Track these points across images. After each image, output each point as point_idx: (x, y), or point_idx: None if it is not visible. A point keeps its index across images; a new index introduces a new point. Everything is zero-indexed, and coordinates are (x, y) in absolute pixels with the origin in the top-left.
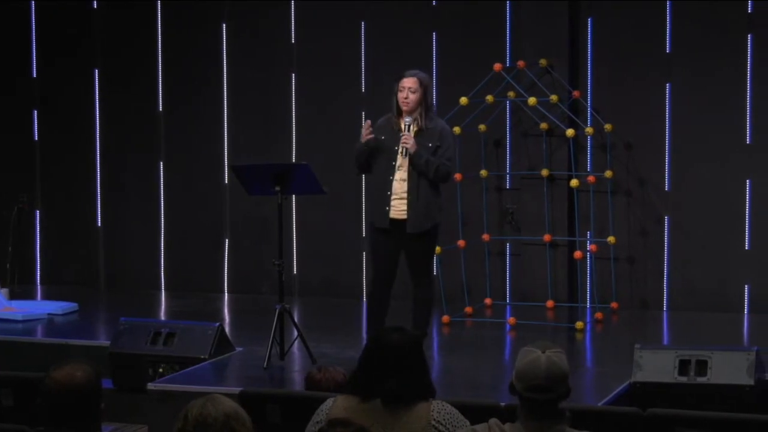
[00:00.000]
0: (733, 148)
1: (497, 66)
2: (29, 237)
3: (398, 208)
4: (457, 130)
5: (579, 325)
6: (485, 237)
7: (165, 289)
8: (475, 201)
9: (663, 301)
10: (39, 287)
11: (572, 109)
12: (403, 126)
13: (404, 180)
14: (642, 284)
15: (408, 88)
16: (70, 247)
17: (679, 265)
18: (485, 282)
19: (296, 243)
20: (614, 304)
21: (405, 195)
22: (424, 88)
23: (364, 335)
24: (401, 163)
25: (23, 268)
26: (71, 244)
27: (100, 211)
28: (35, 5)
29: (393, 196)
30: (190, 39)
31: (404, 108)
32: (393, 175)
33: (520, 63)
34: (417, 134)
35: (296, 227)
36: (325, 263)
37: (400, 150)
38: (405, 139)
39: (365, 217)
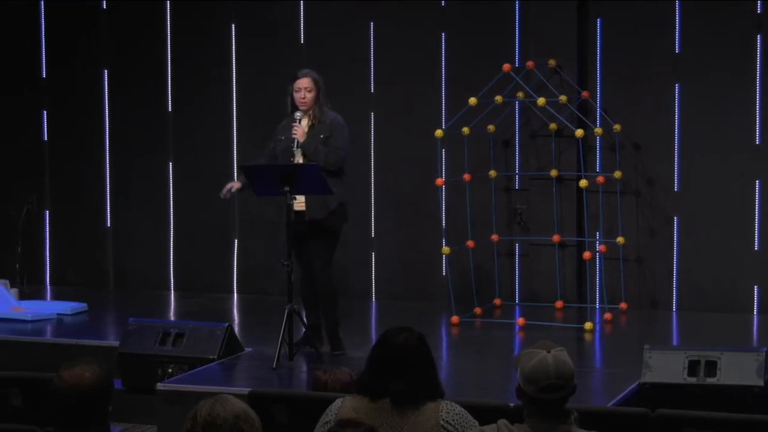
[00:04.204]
0: (743, 148)
1: (506, 66)
2: (38, 237)
3: (299, 200)
4: (466, 130)
5: (588, 325)
6: (494, 237)
7: (174, 290)
8: (483, 201)
9: (672, 301)
10: (48, 287)
11: (581, 110)
12: (296, 119)
13: None
14: (651, 285)
15: (304, 88)
16: (79, 248)
17: (689, 266)
18: (494, 282)
19: None
20: (623, 305)
21: None
22: (318, 86)
23: (370, 331)
24: (298, 157)
25: (32, 268)
26: (80, 244)
27: (109, 212)
28: (45, 6)
29: None
30: (199, 39)
31: (302, 107)
32: None
33: (529, 63)
34: (311, 129)
35: None
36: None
37: (293, 144)
38: (294, 129)
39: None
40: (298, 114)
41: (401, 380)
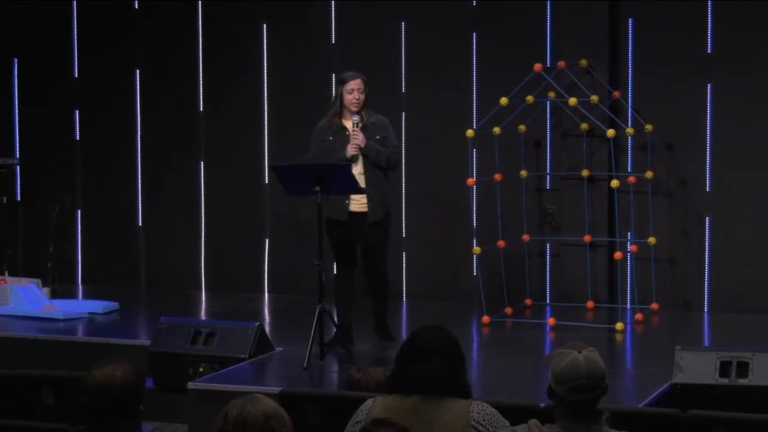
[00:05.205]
0: None
1: (537, 66)
2: (70, 236)
3: (359, 201)
4: (497, 130)
5: (619, 326)
6: (525, 237)
7: (205, 289)
8: (515, 201)
9: (704, 302)
10: (80, 286)
11: (613, 110)
12: (351, 125)
13: (361, 174)
14: (683, 285)
15: (357, 89)
16: (111, 247)
17: (720, 266)
18: (525, 283)
19: None
20: (655, 305)
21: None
22: (366, 87)
23: (401, 330)
24: (357, 158)
25: (64, 267)
26: (112, 243)
27: (141, 211)
28: (77, 6)
29: None
30: (230, 39)
31: (354, 108)
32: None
33: (561, 63)
34: (363, 130)
35: None
36: None
37: (356, 146)
38: (355, 135)
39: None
40: (355, 118)
41: (429, 370)
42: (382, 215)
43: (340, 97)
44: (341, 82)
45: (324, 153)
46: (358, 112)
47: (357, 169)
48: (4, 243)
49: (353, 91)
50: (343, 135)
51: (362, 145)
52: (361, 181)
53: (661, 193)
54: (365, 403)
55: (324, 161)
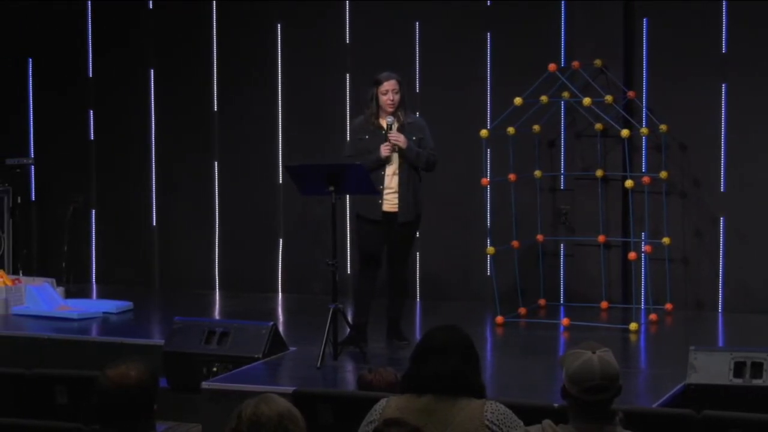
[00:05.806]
0: None
1: (552, 66)
2: (85, 236)
3: (391, 202)
4: (511, 130)
5: (633, 326)
6: (539, 237)
7: (219, 289)
8: (529, 201)
9: (718, 302)
10: (94, 286)
11: (627, 110)
12: (386, 125)
13: (395, 174)
14: (697, 285)
15: (392, 90)
16: (125, 247)
17: (735, 267)
18: (539, 283)
19: (350, 243)
20: (669, 306)
21: (396, 188)
22: (402, 87)
23: (414, 331)
24: (393, 163)
25: (79, 267)
26: (126, 243)
27: (155, 211)
28: (91, 5)
29: (386, 190)
30: (244, 39)
31: (390, 109)
32: (384, 170)
33: (575, 63)
34: (399, 130)
35: (350, 227)
36: None
37: (389, 147)
38: (395, 137)
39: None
40: (390, 119)
41: (443, 370)
42: (412, 216)
43: (375, 98)
44: (376, 83)
45: (361, 153)
46: (393, 113)
47: (391, 170)
48: (18, 243)
49: (388, 92)
50: (379, 134)
51: (404, 147)
52: (395, 182)
53: (675, 193)
54: (379, 402)
55: (361, 161)
